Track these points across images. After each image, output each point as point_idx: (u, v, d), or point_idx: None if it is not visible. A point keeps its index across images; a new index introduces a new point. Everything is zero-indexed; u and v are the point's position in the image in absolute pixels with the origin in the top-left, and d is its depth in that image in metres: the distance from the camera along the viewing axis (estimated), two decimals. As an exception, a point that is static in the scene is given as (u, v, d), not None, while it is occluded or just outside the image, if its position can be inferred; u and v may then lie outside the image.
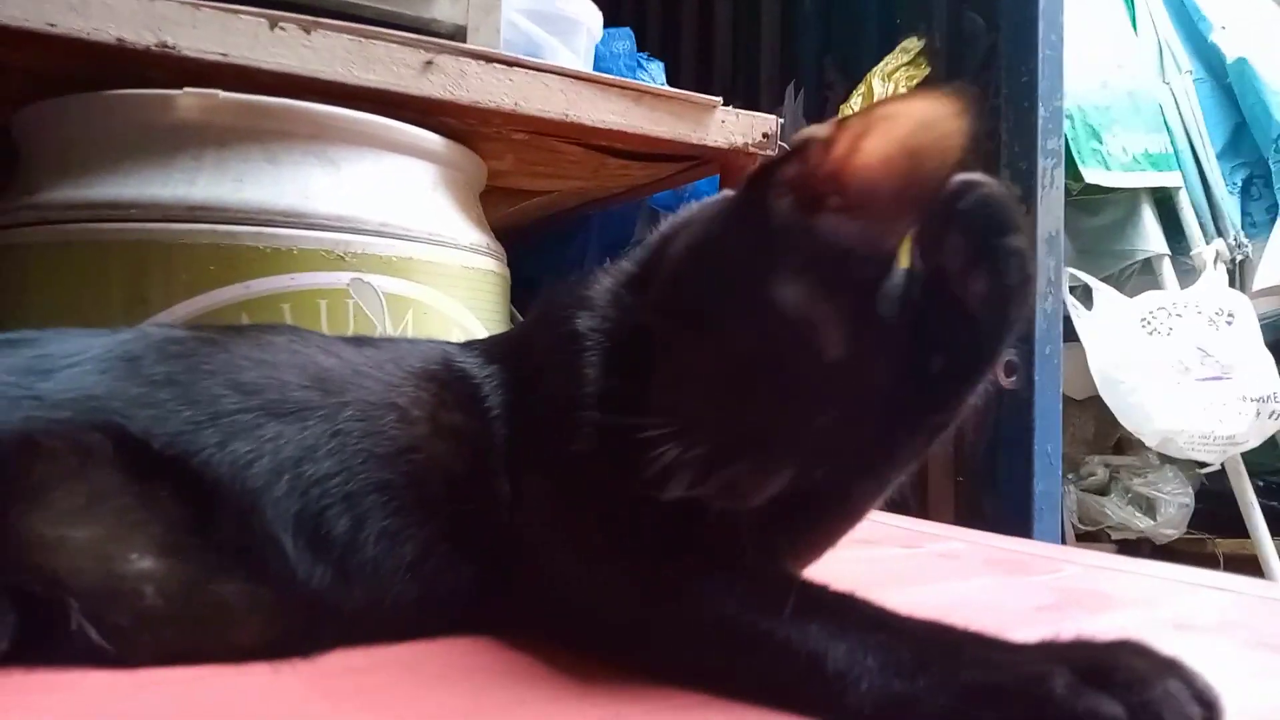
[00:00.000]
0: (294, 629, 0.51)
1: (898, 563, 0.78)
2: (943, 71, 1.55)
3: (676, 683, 0.45)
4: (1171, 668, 0.38)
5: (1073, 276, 1.90)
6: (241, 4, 0.91)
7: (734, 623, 0.45)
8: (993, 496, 1.58)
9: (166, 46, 0.86)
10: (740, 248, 0.48)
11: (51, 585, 0.46)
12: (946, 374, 0.48)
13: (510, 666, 0.49)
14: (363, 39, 0.95)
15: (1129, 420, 1.98)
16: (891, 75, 1.56)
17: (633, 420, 0.46)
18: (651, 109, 1.10)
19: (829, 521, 0.56)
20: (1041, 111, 1.44)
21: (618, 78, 1.12)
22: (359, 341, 0.64)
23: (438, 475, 0.55)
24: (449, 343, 0.66)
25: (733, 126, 1.17)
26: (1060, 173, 1.50)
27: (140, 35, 0.85)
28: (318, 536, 0.52)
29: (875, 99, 1.48)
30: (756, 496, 0.46)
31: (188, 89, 0.87)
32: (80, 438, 0.50)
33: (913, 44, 1.57)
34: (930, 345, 0.47)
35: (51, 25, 0.82)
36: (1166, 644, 0.39)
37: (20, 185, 0.89)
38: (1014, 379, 1.52)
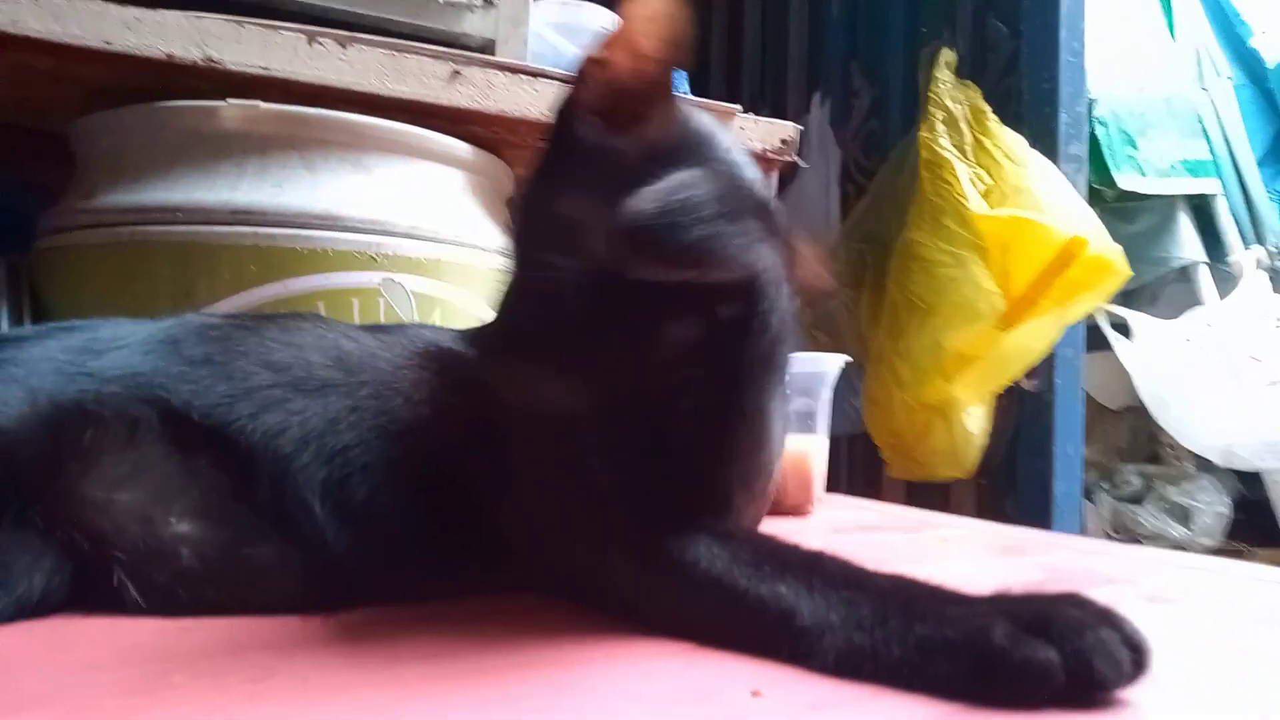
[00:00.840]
0: (321, 588, 0.56)
1: (898, 545, 0.81)
2: (966, 77, 1.57)
3: (664, 635, 0.49)
4: (1105, 617, 0.41)
5: (1109, 314, 1.87)
6: (283, 21, 0.97)
7: (716, 582, 0.49)
8: (1013, 497, 1.59)
9: (212, 61, 0.92)
10: (552, 173, 0.54)
11: (98, 543, 0.52)
12: (737, 315, 0.52)
13: (511, 616, 0.54)
14: (395, 53, 1.01)
15: (1187, 438, 1.94)
16: (956, 94, 1.55)
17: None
18: (671, 116, 1.13)
19: (742, 465, 0.58)
20: (1063, 117, 1.46)
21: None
22: (375, 329, 0.70)
23: (441, 452, 0.60)
24: (441, 329, 0.71)
25: (751, 133, 1.21)
26: (1083, 179, 1.51)
27: (188, 50, 0.91)
28: (342, 502, 0.57)
29: (957, 121, 1.48)
30: (549, 393, 0.50)
31: (231, 100, 0.93)
32: (128, 409, 0.55)
33: (949, 57, 1.57)
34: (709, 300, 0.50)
35: (108, 43, 0.88)
36: (1136, 613, 0.41)
37: (77, 191, 0.96)
38: (1035, 380, 1.53)
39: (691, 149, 0.54)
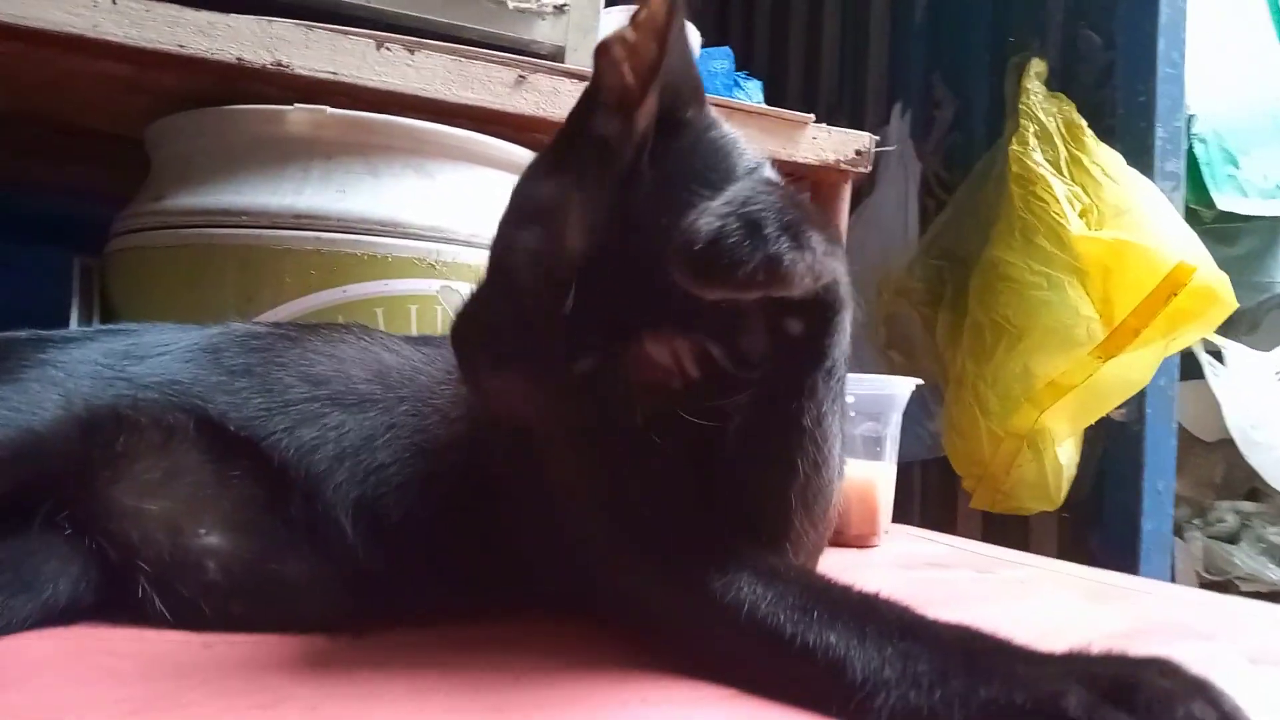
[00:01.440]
0: (350, 607, 0.54)
1: (969, 585, 0.76)
2: (1056, 90, 1.50)
3: (703, 675, 0.46)
4: (1200, 688, 0.36)
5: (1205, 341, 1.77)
6: (356, 26, 0.97)
7: (760, 626, 0.45)
8: (1098, 534, 1.51)
9: (281, 65, 0.93)
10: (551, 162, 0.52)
11: (126, 552, 0.51)
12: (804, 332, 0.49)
13: (544, 646, 0.51)
14: (462, 59, 1.00)
15: (1275, 478, 1.83)
16: (1049, 108, 1.48)
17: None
18: (741, 125, 1.10)
19: (795, 501, 0.54)
20: (1159, 132, 1.38)
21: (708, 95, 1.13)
22: (419, 340, 0.68)
23: (477, 471, 0.58)
24: None
25: (824, 143, 1.17)
26: (1180, 196, 1.43)
27: (258, 55, 0.92)
28: (374, 521, 0.55)
29: (1051, 136, 1.42)
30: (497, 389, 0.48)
31: (298, 105, 0.93)
32: (164, 417, 0.54)
33: (1039, 68, 1.50)
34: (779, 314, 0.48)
35: (182, 46, 0.89)
36: (1237, 675, 0.37)
37: (147, 193, 0.97)
38: (1124, 411, 1.44)
39: (720, 156, 0.52)
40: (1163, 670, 0.38)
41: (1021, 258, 1.40)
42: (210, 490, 0.54)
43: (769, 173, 0.55)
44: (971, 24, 1.71)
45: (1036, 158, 1.40)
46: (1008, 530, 1.64)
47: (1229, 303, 1.28)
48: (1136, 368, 1.36)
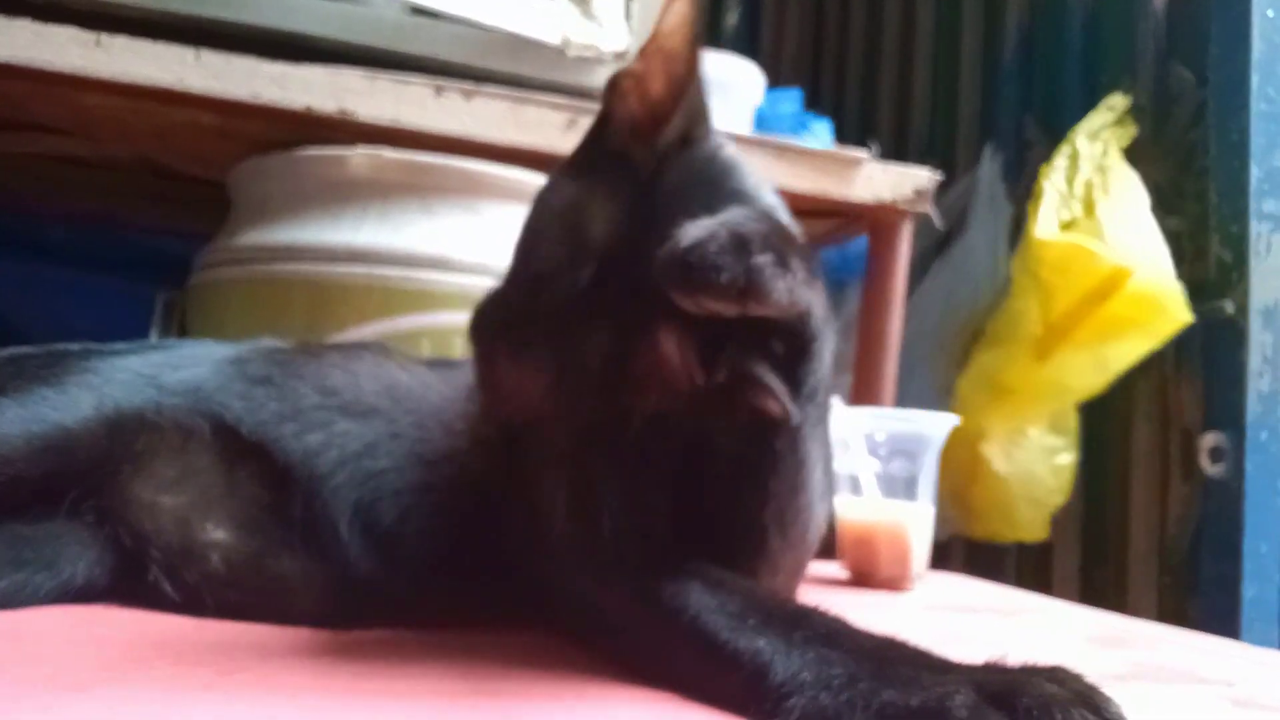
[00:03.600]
0: (339, 606, 0.58)
1: (985, 628, 0.73)
2: (1148, 129, 1.44)
3: (652, 683, 0.47)
4: (1084, 696, 0.37)
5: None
6: (426, 74, 1.04)
7: (700, 632, 0.47)
8: (1197, 601, 1.40)
9: (346, 113, 1.00)
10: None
11: (139, 540, 0.56)
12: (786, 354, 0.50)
13: (518, 654, 0.53)
14: (516, 103, 1.05)
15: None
16: (1098, 135, 1.46)
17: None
18: (792, 165, 1.11)
19: (769, 523, 0.55)
20: (1255, 172, 1.30)
21: (757, 135, 1.15)
22: (437, 363, 0.71)
23: (471, 483, 0.60)
24: None
25: (880, 182, 1.16)
26: (1280, 238, 1.34)
27: (325, 103, 0.99)
28: (369, 525, 0.58)
29: (1080, 159, 1.39)
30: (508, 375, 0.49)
31: (359, 149, 1.00)
32: (184, 421, 0.60)
33: (1118, 101, 1.47)
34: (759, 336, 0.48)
35: (257, 96, 0.98)
36: (1214, 715, 0.35)
37: (226, 232, 1.06)
38: (1221, 465, 1.35)
39: (720, 177, 0.54)
40: (1052, 677, 0.38)
41: (1015, 265, 1.41)
42: (219, 489, 0.59)
43: (770, 197, 0.57)
44: (1063, 63, 1.67)
45: (1055, 178, 1.39)
46: (1106, 596, 1.55)
47: (1178, 316, 1.25)
48: (1072, 372, 1.32)
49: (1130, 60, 1.52)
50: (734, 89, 1.29)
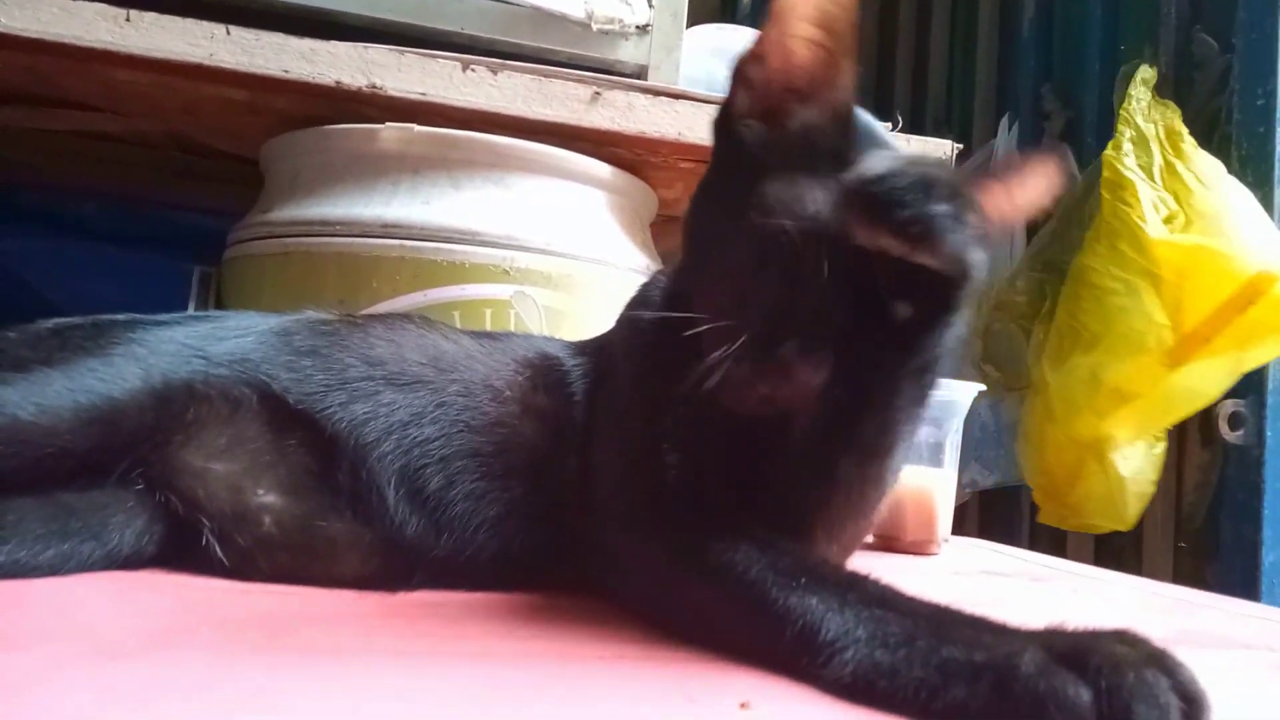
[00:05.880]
0: (386, 568, 0.59)
1: (1018, 592, 0.74)
2: (1169, 97, 1.44)
3: (692, 641, 0.48)
4: (1156, 658, 0.37)
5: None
6: (452, 51, 1.05)
7: (747, 589, 0.47)
8: (1215, 565, 1.41)
9: (375, 88, 1.01)
10: (731, 178, 0.55)
11: (192, 507, 0.58)
12: (913, 319, 0.48)
13: (561, 615, 0.54)
14: (541, 78, 1.06)
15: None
16: (1149, 113, 1.42)
17: (683, 317, 0.51)
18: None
19: (838, 492, 0.55)
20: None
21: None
22: (479, 334, 0.73)
23: (521, 448, 0.62)
24: (553, 339, 0.73)
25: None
26: (1304, 207, 1.34)
27: (354, 78, 1.00)
28: (415, 490, 0.60)
29: (1148, 142, 1.37)
30: (805, 375, 0.48)
31: (389, 124, 1.01)
32: (232, 391, 0.61)
33: (1148, 74, 1.45)
34: (892, 291, 0.47)
35: (286, 71, 0.99)
36: (1256, 679, 0.36)
37: (260, 206, 1.07)
38: (1240, 432, 1.35)
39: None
40: (1122, 639, 0.38)
41: (1105, 263, 1.36)
42: (269, 455, 0.60)
43: None
44: (1082, 33, 1.66)
45: (1129, 163, 1.36)
46: (1122, 561, 1.56)
47: None
48: (1207, 380, 1.29)
49: (1152, 28, 1.51)
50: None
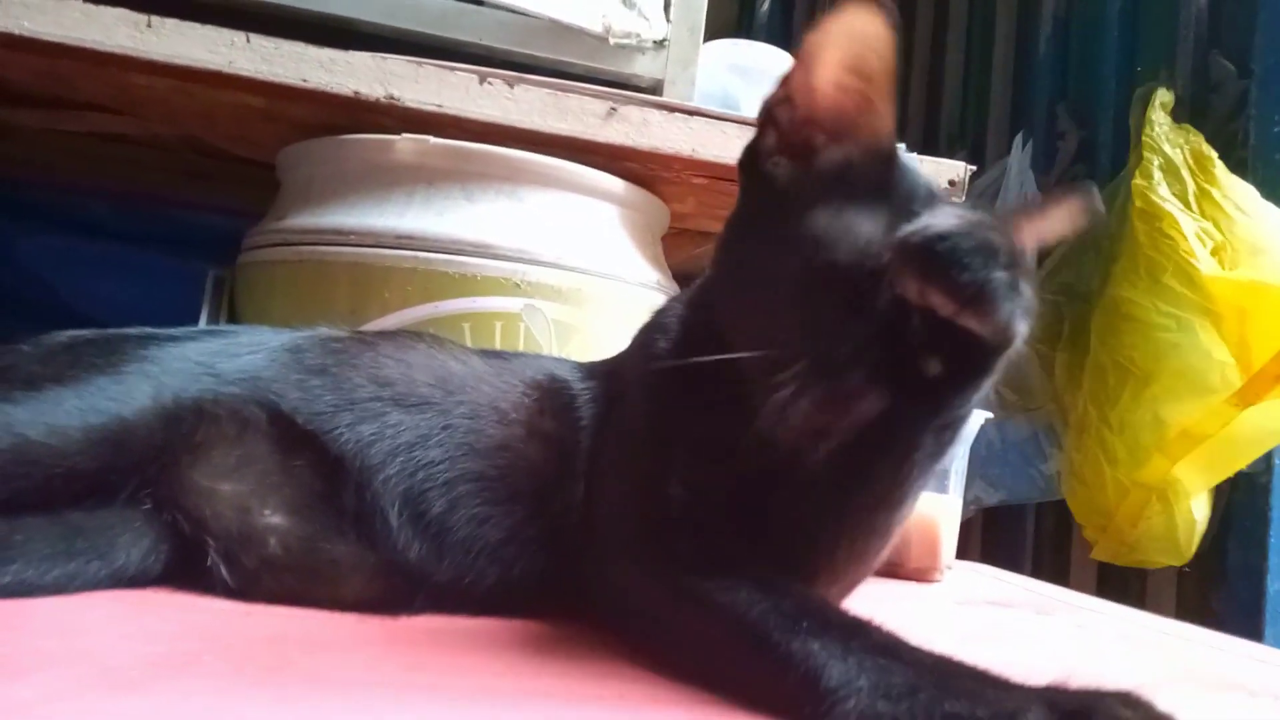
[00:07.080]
0: (389, 591, 0.59)
1: (1022, 625, 0.74)
2: (1185, 121, 1.43)
3: (692, 680, 0.48)
4: None
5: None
6: (469, 62, 1.05)
7: (748, 631, 0.47)
8: (1221, 593, 1.41)
9: (392, 99, 1.01)
10: (764, 214, 0.55)
11: (198, 526, 0.58)
12: (945, 377, 0.47)
13: (563, 647, 0.55)
14: (558, 92, 1.06)
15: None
16: (1175, 139, 1.41)
17: (723, 357, 0.50)
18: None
19: (844, 538, 0.55)
20: (1296, 165, 1.30)
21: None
22: (490, 354, 0.73)
23: (525, 472, 0.62)
24: (563, 360, 0.73)
25: (917, 175, 1.16)
26: (1320, 233, 1.33)
27: (372, 88, 1.00)
28: (418, 514, 0.60)
29: (1178, 169, 1.36)
30: (868, 406, 0.47)
31: (405, 135, 1.01)
32: (241, 410, 0.61)
33: (1165, 97, 1.44)
34: (926, 348, 0.46)
35: (305, 80, 0.99)
36: None
37: (274, 212, 1.08)
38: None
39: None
40: (1126, 701, 0.38)
41: (1148, 297, 1.34)
42: (276, 476, 0.60)
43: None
44: (1098, 52, 1.66)
45: (1162, 192, 1.34)
46: (1123, 585, 1.56)
47: None
48: (1278, 417, 1.27)
49: (1170, 49, 1.51)
50: (766, 77, 1.29)
